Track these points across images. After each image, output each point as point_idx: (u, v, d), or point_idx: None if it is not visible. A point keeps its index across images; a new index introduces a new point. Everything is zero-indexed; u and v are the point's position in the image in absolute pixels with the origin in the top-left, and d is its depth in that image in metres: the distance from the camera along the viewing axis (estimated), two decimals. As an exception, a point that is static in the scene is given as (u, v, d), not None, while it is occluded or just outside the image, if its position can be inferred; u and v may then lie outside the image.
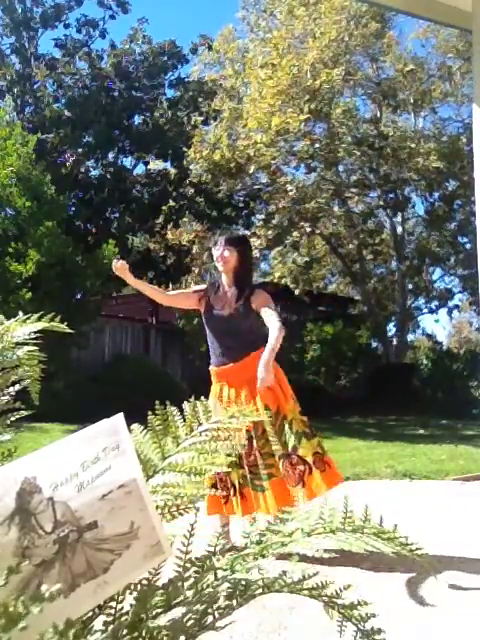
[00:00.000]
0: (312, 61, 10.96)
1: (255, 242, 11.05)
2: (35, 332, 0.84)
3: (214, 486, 2.72)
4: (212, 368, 2.92)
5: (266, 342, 2.77)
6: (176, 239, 13.65)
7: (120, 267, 2.85)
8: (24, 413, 0.89)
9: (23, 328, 0.81)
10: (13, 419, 0.87)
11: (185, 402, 0.81)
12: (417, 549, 0.67)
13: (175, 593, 0.67)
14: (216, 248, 2.94)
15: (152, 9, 30.16)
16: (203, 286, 3.09)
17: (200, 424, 0.78)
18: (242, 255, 2.93)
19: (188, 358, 11.81)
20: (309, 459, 2.69)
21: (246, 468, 2.69)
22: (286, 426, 2.74)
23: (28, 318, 0.82)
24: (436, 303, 15.75)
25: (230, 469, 2.70)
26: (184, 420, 0.79)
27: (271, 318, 2.79)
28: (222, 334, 2.89)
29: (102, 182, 11.88)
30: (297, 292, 12.41)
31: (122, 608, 0.67)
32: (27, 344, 0.81)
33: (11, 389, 0.86)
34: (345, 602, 0.68)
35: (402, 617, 2.05)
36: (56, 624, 0.48)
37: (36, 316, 0.82)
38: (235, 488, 2.72)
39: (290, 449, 2.71)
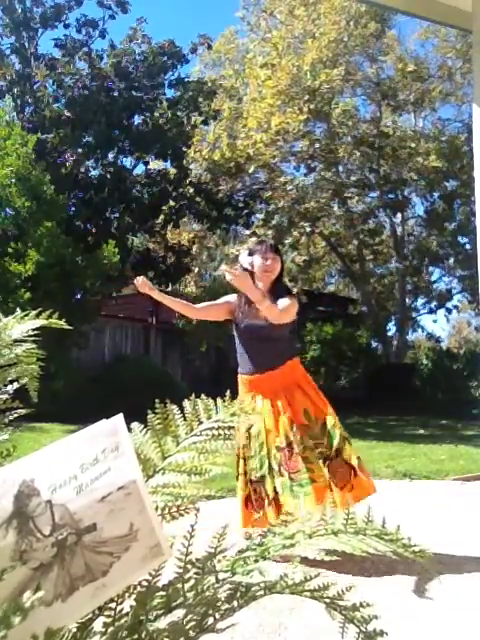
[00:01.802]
0: (312, 61, 10.95)
1: (255, 242, 11.03)
2: (34, 332, 0.83)
3: (248, 498, 2.73)
4: (244, 377, 2.87)
5: (296, 351, 2.94)
6: (176, 239, 13.65)
7: (142, 284, 2.78)
8: (23, 412, 0.88)
9: (21, 325, 0.80)
10: (11, 418, 0.86)
11: (185, 401, 0.80)
12: (420, 551, 0.66)
13: (175, 595, 0.66)
14: (259, 255, 2.88)
15: (152, 9, 30.19)
16: (234, 297, 3.01)
17: (200, 423, 0.78)
18: (282, 263, 2.97)
19: (188, 358, 11.80)
20: (354, 462, 2.70)
21: (286, 475, 2.65)
22: (329, 429, 2.73)
23: (26, 315, 0.81)
24: (435, 303, 15.74)
25: (264, 477, 2.68)
26: (184, 419, 0.78)
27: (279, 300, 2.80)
28: (259, 343, 2.85)
29: (102, 182, 11.88)
30: (296, 291, 12.38)
31: (122, 609, 0.66)
32: (26, 342, 0.80)
33: (9, 387, 0.85)
34: (347, 604, 0.68)
35: (402, 617, 2.05)
36: (36, 634, 0.47)
37: (34, 313, 0.81)
38: (268, 498, 2.68)
39: (333, 452, 2.69)
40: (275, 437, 2.70)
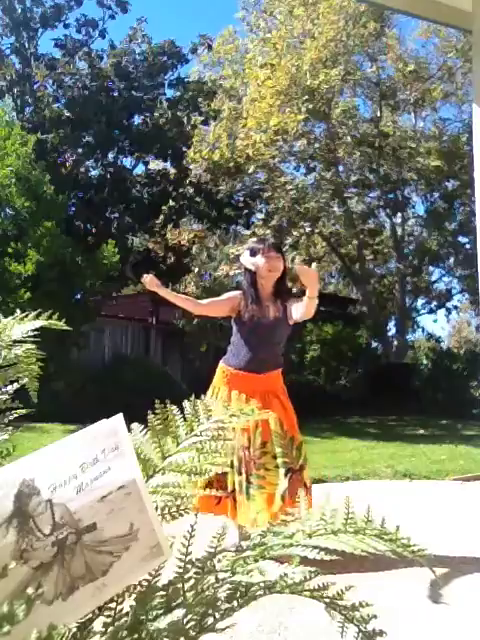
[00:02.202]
0: (311, 61, 10.95)
1: (256, 240, 11.01)
2: (34, 332, 0.83)
3: (209, 485, 2.72)
4: (230, 369, 2.84)
5: (282, 362, 2.95)
6: (176, 239, 13.65)
7: (151, 281, 2.77)
8: (22, 412, 0.88)
9: (21, 326, 0.80)
10: (11, 418, 0.86)
11: (185, 401, 0.80)
12: (420, 550, 0.66)
13: (175, 594, 0.66)
14: (263, 254, 2.85)
15: (152, 9, 30.20)
16: (236, 293, 2.97)
17: (200, 423, 0.78)
18: (285, 262, 2.95)
19: (188, 358, 11.81)
20: (308, 483, 2.73)
21: (244, 475, 2.66)
22: (297, 444, 2.74)
23: (26, 316, 0.81)
24: (435, 303, 15.74)
25: (228, 470, 2.67)
26: (184, 419, 0.78)
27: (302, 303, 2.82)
28: (261, 342, 2.83)
29: (102, 182, 11.89)
30: (295, 291, 12.38)
31: (122, 609, 0.67)
32: (25, 342, 0.80)
33: (9, 388, 0.85)
34: (347, 603, 0.68)
35: (402, 617, 2.05)
36: (40, 630, 0.47)
37: (34, 314, 0.82)
38: (227, 491, 2.70)
39: (298, 466, 2.70)
40: (240, 435, 2.69)
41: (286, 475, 2.64)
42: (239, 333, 2.89)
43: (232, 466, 2.67)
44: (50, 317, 0.83)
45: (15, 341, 0.80)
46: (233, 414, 0.78)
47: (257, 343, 2.84)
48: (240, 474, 2.67)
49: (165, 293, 2.86)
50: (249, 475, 2.66)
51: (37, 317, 0.82)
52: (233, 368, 2.84)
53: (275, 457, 2.67)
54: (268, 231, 11.52)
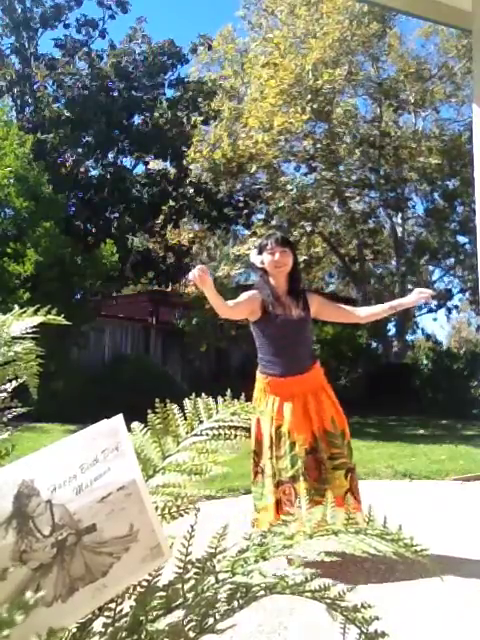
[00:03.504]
0: (314, 61, 10.93)
1: (255, 242, 11.02)
2: (34, 331, 0.82)
3: (279, 502, 2.58)
4: (272, 378, 2.69)
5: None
6: (176, 239, 13.64)
7: (203, 278, 2.45)
8: (22, 410, 0.87)
9: (20, 323, 0.79)
10: (10, 416, 0.86)
11: (186, 400, 0.80)
12: (422, 550, 0.66)
13: (175, 595, 0.66)
14: (267, 251, 2.74)
15: (152, 9, 30.22)
16: (255, 293, 2.77)
17: (201, 422, 0.77)
18: (295, 256, 2.84)
19: (188, 358, 11.79)
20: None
21: (310, 482, 2.54)
22: (347, 440, 2.71)
23: (24, 312, 0.80)
24: (435, 303, 15.74)
25: (295, 478, 2.57)
26: (185, 418, 0.78)
27: (357, 308, 3.10)
28: (290, 342, 2.71)
29: (102, 182, 11.89)
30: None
31: (122, 610, 0.66)
32: (25, 339, 0.80)
33: (8, 386, 0.84)
34: (348, 605, 0.67)
35: (402, 618, 2.04)
36: (39, 633, 0.47)
37: (32, 309, 0.81)
38: (299, 500, 2.54)
39: (353, 464, 2.69)
40: (305, 440, 2.59)
41: (346, 476, 2.61)
42: (264, 336, 2.74)
43: (301, 475, 2.56)
44: (48, 313, 0.82)
45: (14, 338, 0.79)
46: (234, 412, 0.77)
47: (287, 344, 2.71)
48: (305, 481, 2.54)
49: (209, 291, 2.55)
50: (315, 481, 2.55)
51: (35, 313, 0.81)
52: (274, 376, 2.70)
53: (335, 458, 2.62)
54: (269, 231, 11.49)
